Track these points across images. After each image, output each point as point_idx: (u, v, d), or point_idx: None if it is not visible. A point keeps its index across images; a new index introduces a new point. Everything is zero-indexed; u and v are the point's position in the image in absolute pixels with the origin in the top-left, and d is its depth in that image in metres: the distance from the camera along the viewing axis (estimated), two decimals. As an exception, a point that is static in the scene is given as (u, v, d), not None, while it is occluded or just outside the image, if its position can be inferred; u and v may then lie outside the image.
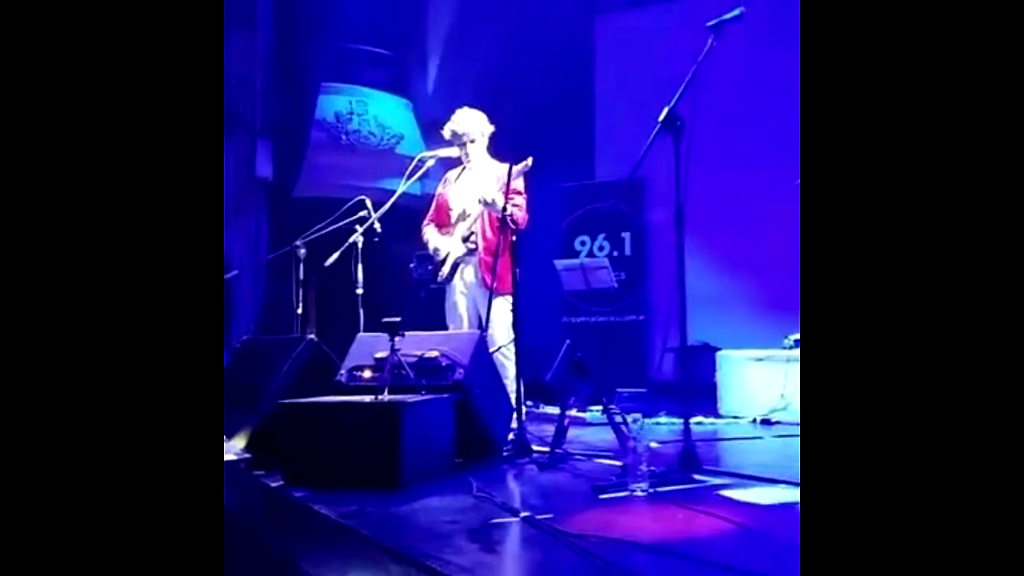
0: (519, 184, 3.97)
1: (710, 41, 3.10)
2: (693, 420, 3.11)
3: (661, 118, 3.03)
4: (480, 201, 4.00)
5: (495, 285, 3.80)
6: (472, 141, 4.20)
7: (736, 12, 3.11)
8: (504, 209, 3.76)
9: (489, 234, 4.11)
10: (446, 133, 4.25)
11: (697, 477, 2.85)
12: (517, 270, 3.89)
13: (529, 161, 3.77)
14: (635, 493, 2.59)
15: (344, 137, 7.50)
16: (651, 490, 2.60)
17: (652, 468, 2.68)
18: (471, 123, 4.21)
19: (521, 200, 3.99)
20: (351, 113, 7.56)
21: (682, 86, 3.09)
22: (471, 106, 4.29)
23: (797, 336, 4.90)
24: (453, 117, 4.25)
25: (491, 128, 4.26)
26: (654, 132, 3.05)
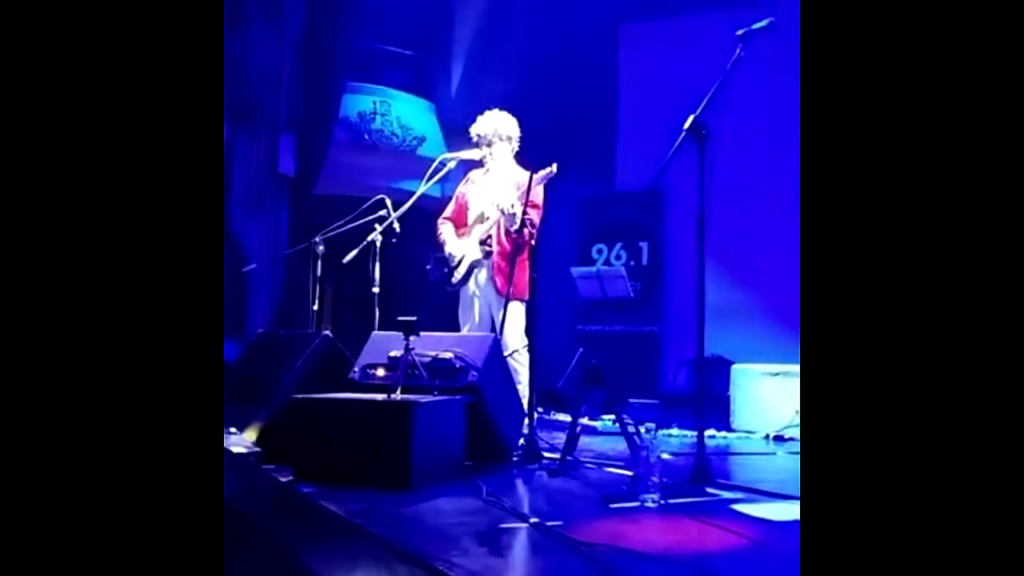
0: (538, 195, 3.93)
1: (738, 51, 3.08)
2: (705, 433, 3.07)
3: (686, 126, 3.00)
4: (498, 208, 3.97)
5: (510, 291, 3.78)
6: (490, 143, 4.18)
7: (765, 22, 3.09)
8: (522, 223, 3.72)
9: (505, 240, 4.09)
10: (472, 133, 4.25)
11: (710, 490, 2.82)
12: (534, 275, 3.87)
13: (553, 168, 3.75)
14: (646, 504, 2.56)
15: (367, 136, 7.53)
16: (662, 501, 2.57)
17: (664, 479, 2.65)
18: (493, 124, 4.20)
19: (535, 215, 3.94)
20: (374, 113, 7.59)
21: (708, 95, 3.07)
22: (501, 109, 4.28)
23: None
24: (479, 117, 4.24)
25: (517, 132, 4.24)
26: (679, 140, 3.03)
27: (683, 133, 3.02)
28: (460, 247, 4.19)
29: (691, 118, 3.01)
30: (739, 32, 3.08)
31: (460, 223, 4.29)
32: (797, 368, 4.85)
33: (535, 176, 3.72)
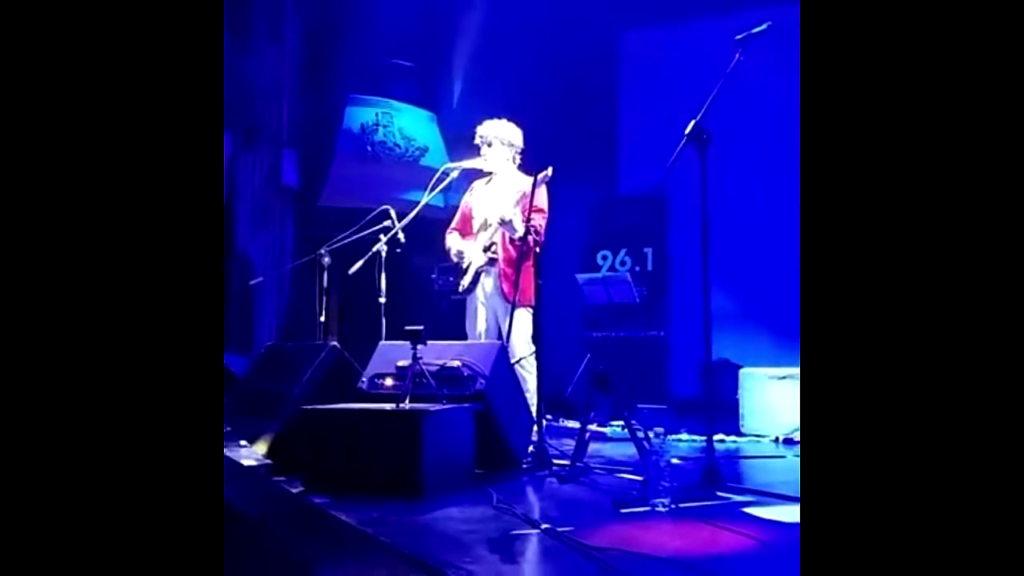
0: (542, 199, 3.94)
1: (737, 55, 3.10)
2: (715, 438, 3.07)
3: (687, 131, 3.02)
4: (499, 220, 3.98)
5: (517, 297, 3.79)
6: (489, 145, 4.21)
7: (763, 27, 3.11)
8: (527, 231, 3.72)
9: (509, 246, 4.10)
10: (476, 134, 4.29)
11: (720, 494, 2.82)
12: (540, 282, 3.88)
13: (549, 171, 3.73)
14: (657, 508, 2.56)
15: (369, 148, 7.56)
16: (673, 506, 2.57)
17: (674, 484, 2.65)
18: (494, 129, 4.23)
19: (541, 220, 3.94)
20: (377, 124, 7.63)
21: (709, 100, 3.08)
22: (508, 119, 4.31)
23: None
24: (485, 122, 4.28)
25: (520, 141, 4.25)
26: (680, 145, 3.04)
27: (684, 138, 3.03)
28: (468, 249, 4.21)
29: (692, 123, 3.03)
30: (738, 37, 3.10)
31: (466, 232, 4.31)
32: (804, 370, 4.88)
33: (532, 180, 3.74)
